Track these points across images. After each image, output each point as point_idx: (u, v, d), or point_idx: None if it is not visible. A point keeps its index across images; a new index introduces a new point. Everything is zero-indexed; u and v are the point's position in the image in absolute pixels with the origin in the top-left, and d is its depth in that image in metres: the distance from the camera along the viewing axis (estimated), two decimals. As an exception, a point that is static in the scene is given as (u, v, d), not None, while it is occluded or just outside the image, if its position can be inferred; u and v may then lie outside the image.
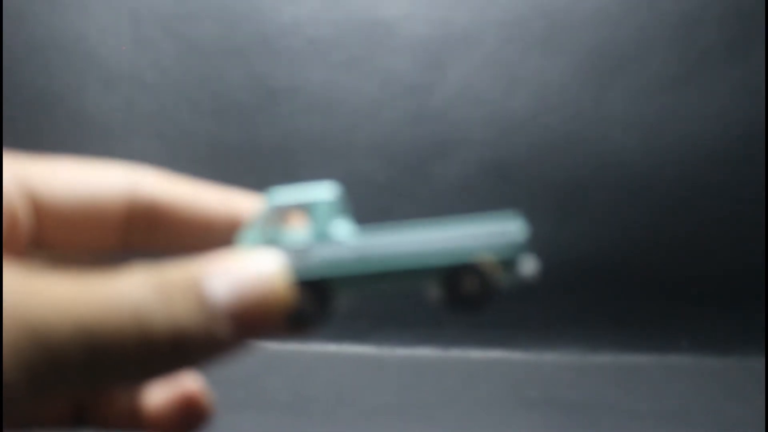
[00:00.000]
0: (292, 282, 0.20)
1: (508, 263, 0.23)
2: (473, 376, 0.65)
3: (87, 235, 0.23)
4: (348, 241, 0.23)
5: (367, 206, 0.68)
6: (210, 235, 0.25)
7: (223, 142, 0.80)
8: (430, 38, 0.79)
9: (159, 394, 0.24)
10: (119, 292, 0.16)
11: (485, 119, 0.79)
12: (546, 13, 0.78)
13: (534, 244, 0.26)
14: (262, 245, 0.22)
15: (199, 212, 0.24)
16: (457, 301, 0.23)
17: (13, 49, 0.79)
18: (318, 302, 0.22)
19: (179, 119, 0.80)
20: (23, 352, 0.14)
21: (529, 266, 0.24)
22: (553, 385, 0.61)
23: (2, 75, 0.77)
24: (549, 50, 0.79)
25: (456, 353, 0.73)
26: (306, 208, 0.23)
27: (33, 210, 0.22)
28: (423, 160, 0.79)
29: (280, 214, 0.24)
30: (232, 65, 0.80)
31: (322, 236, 0.23)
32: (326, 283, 0.22)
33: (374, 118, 0.80)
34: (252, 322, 0.18)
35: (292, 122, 0.80)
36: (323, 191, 0.23)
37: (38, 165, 0.23)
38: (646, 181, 0.77)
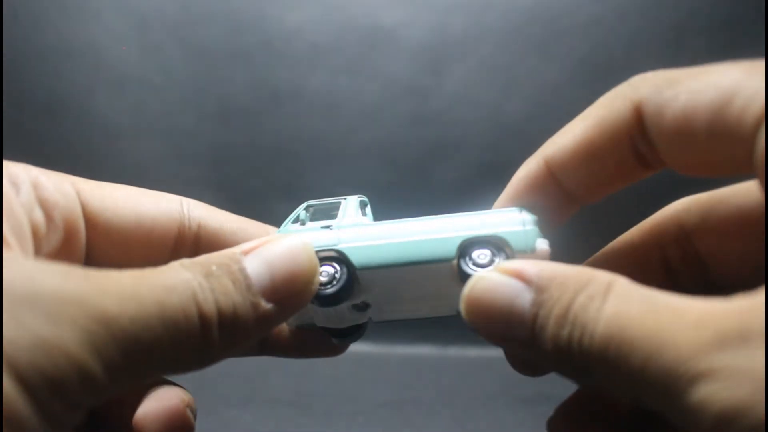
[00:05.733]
0: (318, 257, 0.22)
1: (522, 241, 0.24)
2: (470, 374, 0.65)
3: (137, 255, 0.24)
4: (371, 224, 0.24)
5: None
6: None
7: (228, 144, 0.81)
8: (428, 43, 0.80)
9: (148, 406, 0.24)
10: (175, 278, 0.17)
11: (482, 122, 0.80)
12: (541, 19, 0.79)
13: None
14: (293, 231, 0.24)
15: (240, 241, 0.26)
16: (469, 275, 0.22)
17: (25, 54, 0.80)
18: (345, 279, 0.23)
19: (185, 122, 0.81)
20: (96, 338, 0.15)
21: (541, 244, 0.25)
22: (547, 382, 0.61)
23: (1, 78, 0.77)
24: (544, 55, 0.79)
25: (454, 351, 0.73)
26: (336, 205, 0.25)
27: (87, 226, 0.23)
28: (422, 162, 0.80)
29: (312, 210, 0.25)
30: (237, 69, 0.81)
31: (350, 221, 0.24)
32: (352, 260, 0.23)
33: (374, 120, 0.80)
34: (287, 293, 0.19)
35: (295, 124, 0.81)
36: (352, 194, 0.25)
37: (92, 185, 0.23)
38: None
